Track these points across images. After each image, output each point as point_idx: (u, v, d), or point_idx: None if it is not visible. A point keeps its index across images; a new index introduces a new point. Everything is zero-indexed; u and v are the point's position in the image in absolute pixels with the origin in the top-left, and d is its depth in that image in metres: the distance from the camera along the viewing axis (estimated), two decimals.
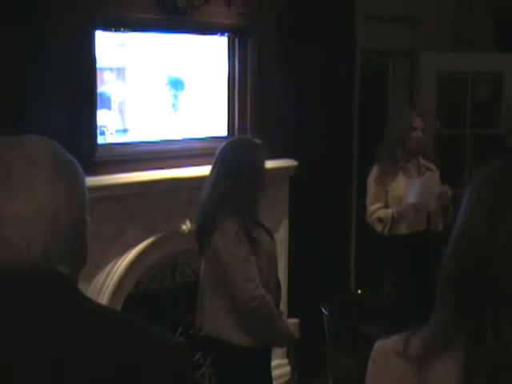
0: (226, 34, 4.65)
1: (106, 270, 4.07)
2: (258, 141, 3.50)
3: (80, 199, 1.26)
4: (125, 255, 4.14)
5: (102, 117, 4.06)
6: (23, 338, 1.13)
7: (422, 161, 4.77)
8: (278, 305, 3.46)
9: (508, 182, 1.25)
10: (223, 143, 3.43)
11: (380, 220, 4.66)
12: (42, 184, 1.20)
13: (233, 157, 3.32)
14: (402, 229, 4.66)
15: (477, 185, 1.28)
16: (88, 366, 1.14)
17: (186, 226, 4.25)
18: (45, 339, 1.14)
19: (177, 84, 4.45)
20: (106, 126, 4.11)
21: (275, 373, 4.84)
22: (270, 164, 4.44)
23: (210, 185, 3.31)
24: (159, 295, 4.50)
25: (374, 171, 4.71)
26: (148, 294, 4.44)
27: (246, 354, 3.29)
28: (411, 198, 4.57)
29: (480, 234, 1.22)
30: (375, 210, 4.68)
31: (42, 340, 1.14)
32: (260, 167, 3.36)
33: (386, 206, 4.67)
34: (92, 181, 3.44)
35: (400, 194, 4.64)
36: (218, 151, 3.36)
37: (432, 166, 4.77)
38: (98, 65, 3.98)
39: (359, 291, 5.26)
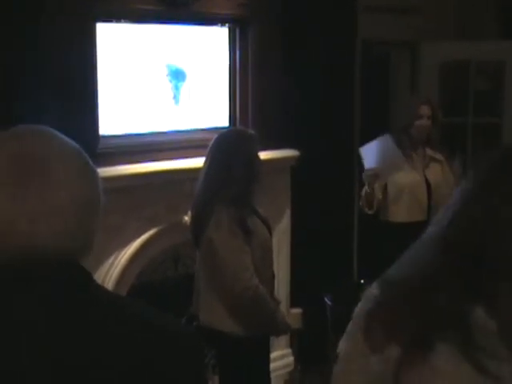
0: (227, 25, 4.64)
1: (109, 261, 4.08)
2: (251, 131, 3.50)
3: (99, 194, 1.28)
4: (127, 247, 4.15)
5: (104, 108, 4.07)
6: (35, 336, 1.13)
7: (429, 151, 4.76)
8: (272, 294, 3.47)
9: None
10: (216, 134, 3.42)
11: (360, 197, 4.70)
12: (72, 177, 1.21)
13: (225, 147, 3.31)
14: (399, 217, 4.67)
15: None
16: (99, 359, 1.14)
17: (189, 218, 4.25)
18: (56, 333, 1.14)
19: (178, 75, 4.44)
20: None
21: (278, 363, 4.86)
22: (271, 154, 4.46)
23: (204, 176, 3.31)
24: (162, 286, 4.50)
25: None
26: (150, 285, 4.44)
27: (242, 343, 3.31)
28: (368, 164, 4.54)
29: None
30: None
31: (52, 334, 1.14)
32: (253, 157, 3.34)
33: (385, 191, 4.68)
34: None
35: (401, 183, 4.65)
36: (211, 142, 3.36)
37: (440, 157, 4.76)
38: (99, 56, 3.98)
39: (362, 281, 5.26)
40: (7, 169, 1.18)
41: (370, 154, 4.52)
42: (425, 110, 4.68)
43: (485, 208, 1.22)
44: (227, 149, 3.30)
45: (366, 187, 4.58)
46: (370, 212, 4.66)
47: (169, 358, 1.19)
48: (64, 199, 1.19)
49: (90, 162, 1.27)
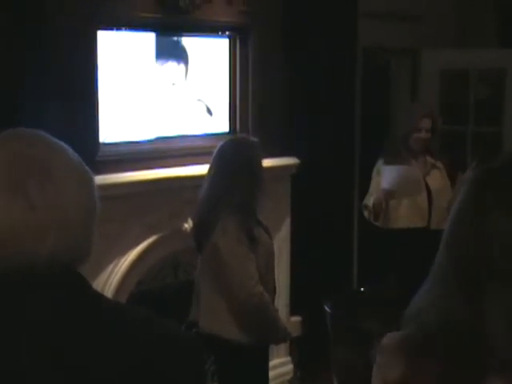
0: (228, 33, 4.65)
1: (109, 268, 4.07)
2: (255, 139, 3.52)
3: (96, 202, 1.27)
4: (127, 254, 4.15)
5: (104, 116, 4.07)
6: (39, 343, 1.13)
7: (430, 159, 4.78)
8: (273, 303, 3.48)
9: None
10: (220, 142, 3.44)
11: (365, 206, 4.71)
12: (75, 185, 1.21)
13: (230, 156, 3.33)
14: (399, 223, 4.68)
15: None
16: (99, 359, 1.15)
17: (189, 225, 4.25)
18: (56, 333, 1.14)
19: (179, 82, 4.45)
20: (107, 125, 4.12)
21: (278, 371, 4.85)
22: (271, 162, 4.46)
23: (208, 184, 3.33)
24: (161, 294, 4.50)
25: (379, 164, 4.74)
26: (150, 292, 4.44)
27: (241, 350, 3.31)
28: (383, 184, 4.58)
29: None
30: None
31: (51, 335, 1.14)
32: (257, 166, 3.37)
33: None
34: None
35: None
36: (215, 150, 3.38)
37: (440, 165, 4.79)
38: (100, 63, 3.99)
39: (362, 288, 5.26)
40: (8, 170, 1.18)
41: (390, 175, 4.57)
42: (426, 122, 4.68)
43: (474, 222, 1.22)
44: (230, 157, 3.32)
45: (373, 199, 4.60)
46: (374, 222, 4.69)
47: (169, 358, 1.19)
48: (70, 208, 1.19)
49: (88, 169, 1.27)
